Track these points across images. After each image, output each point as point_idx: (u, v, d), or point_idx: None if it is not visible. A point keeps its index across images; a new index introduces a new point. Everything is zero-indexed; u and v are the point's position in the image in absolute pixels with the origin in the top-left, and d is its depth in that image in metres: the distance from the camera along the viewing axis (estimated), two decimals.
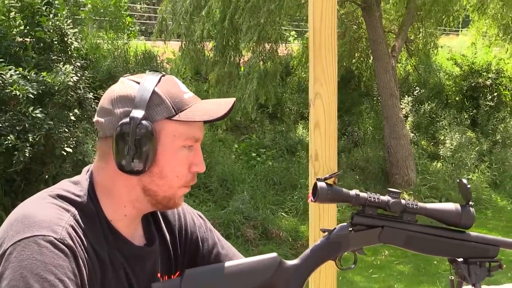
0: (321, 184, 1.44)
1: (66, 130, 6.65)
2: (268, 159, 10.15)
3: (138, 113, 1.31)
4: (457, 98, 13.56)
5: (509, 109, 13.49)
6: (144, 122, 1.30)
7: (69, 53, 7.67)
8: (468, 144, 11.84)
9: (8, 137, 5.94)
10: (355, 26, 12.63)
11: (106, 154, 1.35)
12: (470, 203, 1.49)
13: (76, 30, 8.04)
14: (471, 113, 13.02)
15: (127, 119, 1.30)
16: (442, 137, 12.15)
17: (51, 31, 7.40)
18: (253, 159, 10.15)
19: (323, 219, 2.83)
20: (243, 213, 8.20)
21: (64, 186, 1.38)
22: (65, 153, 6.55)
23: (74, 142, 6.73)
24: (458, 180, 1.51)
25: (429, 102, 13.02)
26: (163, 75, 1.39)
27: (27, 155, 6.01)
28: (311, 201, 1.46)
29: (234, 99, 1.42)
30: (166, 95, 1.34)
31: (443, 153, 11.70)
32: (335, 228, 1.49)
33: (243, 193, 8.70)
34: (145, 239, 1.47)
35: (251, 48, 10.03)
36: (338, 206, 2.90)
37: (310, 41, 2.80)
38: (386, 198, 1.47)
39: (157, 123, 1.32)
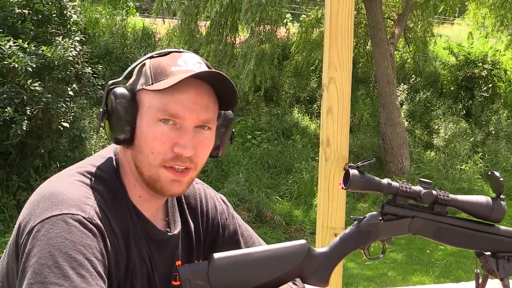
0: (353, 172, 1.42)
1: (64, 105, 6.58)
2: (263, 142, 10.12)
3: (114, 81, 1.32)
4: (452, 88, 13.56)
5: (502, 100, 13.52)
6: (117, 88, 1.30)
7: (68, 26, 7.57)
8: (462, 135, 11.87)
9: (6, 110, 5.87)
10: (355, 12, 12.54)
11: None
12: (501, 196, 1.48)
13: (75, 2, 7.93)
14: (466, 104, 13.03)
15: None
16: (436, 127, 12.17)
17: (50, 3, 7.30)
18: (248, 141, 10.11)
19: (332, 204, 2.82)
20: (238, 195, 8.18)
21: (94, 161, 1.36)
22: (61, 128, 6.50)
23: (71, 117, 6.66)
24: (490, 173, 1.49)
25: (424, 90, 13.03)
26: (179, 51, 1.36)
27: (24, 128, 5.95)
28: (342, 188, 1.44)
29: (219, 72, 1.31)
30: (152, 66, 1.32)
31: (437, 142, 11.73)
32: (365, 217, 1.47)
33: (238, 175, 8.68)
34: (166, 225, 1.44)
35: (250, 28, 9.94)
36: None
37: (326, 24, 2.76)
38: (417, 188, 1.45)
39: (138, 93, 1.30)
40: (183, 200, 1.50)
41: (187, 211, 1.49)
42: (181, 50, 1.37)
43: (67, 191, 1.24)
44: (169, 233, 1.42)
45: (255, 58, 9.39)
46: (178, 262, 1.44)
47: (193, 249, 1.49)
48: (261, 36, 9.92)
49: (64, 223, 1.17)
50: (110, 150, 1.40)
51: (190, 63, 1.32)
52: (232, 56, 10.43)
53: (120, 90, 1.30)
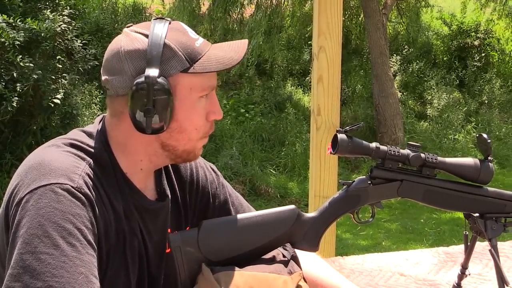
0: (341, 136, 1.42)
1: (54, 81, 6.53)
2: (257, 115, 10.12)
3: (153, 72, 1.24)
4: (445, 58, 13.52)
5: (495, 70, 13.48)
6: (160, 80, 1.24)
7: (56, 1, 7.49)
8: (455, 105, 11.87)
9: None
10: None
11: (119, 113, 1.30)
12: (489, 158, 1.49)
13: None
14: (459, 74, 13.01)
15: (142, 78, 1.23)
16: (429, 97, 12.16)
17: None
18: (242, 115, 10.11)
19: (323, 173, 2.83)
20: (232, 169, 8.21)
21: (77, 136, 1.33)
22: (53, 105, 6.45)
23: (62, 93, 6.61)
24: (477, 135, 1.49)
25: (417, 61, 12.98)
26: (170, 22, 1.32)
27: (14, 104, 5.92)
28: (331, 153, 1.44)
29: (246, 41, 1.36)
30: (177, 47, 1.27)
31: (430, 113, 11.73)
32: (353, 181, 1.48)
33: (232, 149, 8.70)
34: (156, 194, 1.44)
35: (256, 3, 9.82)
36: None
37: None
38: (406, 151, 1.46)
39: (171, 78, 1.26)
40: (170, 169, 1.50)
41: (174, 180, 1.49)
42: (165, 18, 1.35)
43: (55, 160, 1.23)
44: (160, 202, 1.42)
45: (263, 33, 9.29)
46: (169, 230, 1.45)
47: (181, 217, 1.49)
48: (268, 10, 9.79)
49: (53, 192, 1.17)
50: (95, 127, 1.37)
51: (192, 32, 1.35)
52: (240, 32, 10.32)
53: (161, 80, 1.25)
